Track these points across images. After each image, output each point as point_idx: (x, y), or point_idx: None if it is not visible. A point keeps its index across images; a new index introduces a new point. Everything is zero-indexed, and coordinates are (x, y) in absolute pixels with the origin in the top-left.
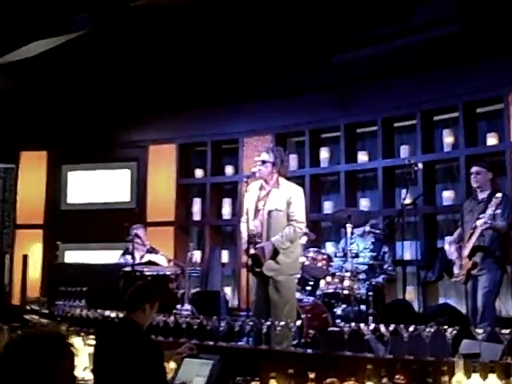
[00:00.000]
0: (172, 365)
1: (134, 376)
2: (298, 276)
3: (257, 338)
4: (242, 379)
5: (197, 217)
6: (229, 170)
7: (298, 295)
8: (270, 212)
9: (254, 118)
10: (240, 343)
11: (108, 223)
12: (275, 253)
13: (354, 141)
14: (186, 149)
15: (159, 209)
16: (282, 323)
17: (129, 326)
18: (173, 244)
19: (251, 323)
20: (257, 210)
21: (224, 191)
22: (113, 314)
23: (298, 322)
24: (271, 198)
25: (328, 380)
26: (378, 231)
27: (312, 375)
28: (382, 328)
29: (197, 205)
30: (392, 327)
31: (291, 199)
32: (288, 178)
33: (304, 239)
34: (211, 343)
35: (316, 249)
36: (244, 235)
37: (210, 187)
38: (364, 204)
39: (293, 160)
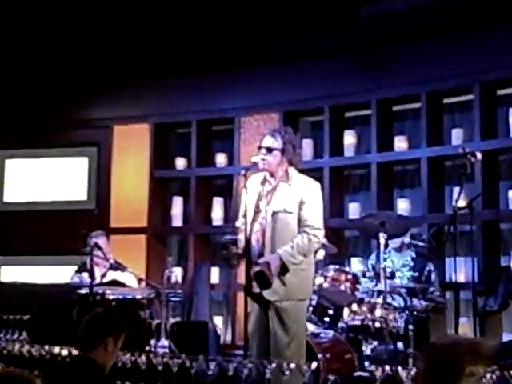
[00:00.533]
0: None
1: None
2: (312, 302)
3: None
4: None
5: (177, 222)
6: (221, 159)
7: (312, 328)
8: (275, 214)
9: (255, 89)
10: None
11: (58, 229)
12: (283, 270)
13: (389, 122)
14: (163, 130)
15: (127, 211)
16: (293, 365)
17: (85, 368)
18: (145, 258)
19: (250, 365)
20: (257, 212)
21: (214, 188)
22: (64, 352)
23: (314, 365)
24: (278, 196)
25: None
26: (421, 243)
27: None
28: None
29: (178, 206)
30: None
31: (305, 198)
32: (300, 171)
33: (321, 253)
34: None
35: (338, 266)
36: (241, 245)
37: (196, 182)
38: (402, 207)
39: (307, 147)
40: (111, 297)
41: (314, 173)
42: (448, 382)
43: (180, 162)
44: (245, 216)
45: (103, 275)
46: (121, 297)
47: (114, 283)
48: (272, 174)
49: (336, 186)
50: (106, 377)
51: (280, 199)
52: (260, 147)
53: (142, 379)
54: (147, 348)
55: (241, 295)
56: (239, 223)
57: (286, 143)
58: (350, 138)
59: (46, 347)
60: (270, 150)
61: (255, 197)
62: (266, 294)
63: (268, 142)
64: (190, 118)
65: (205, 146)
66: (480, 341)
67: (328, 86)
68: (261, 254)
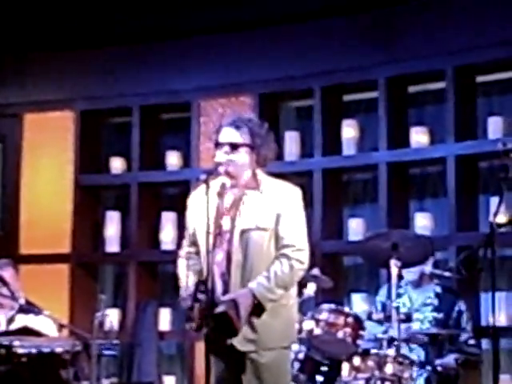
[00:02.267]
0: None
1: None
2: (298, 355)
3: None
4: None
5: (113, 246)
6: (173, 159)
7: None
8: (244, 232)
9: (220, 62)
10: None
11: None
12: (257, 310)
13: (403, 108)
14: (92, 120)
15: (43, 231)
16: None
17: None
18: (68, 297)
19: None
20: (219, 234)
21: (164, 199)
22: None
23: None
24: (247, 208)
25: None
26: (447, 274)
27: None
28: None
29: (113, 224)
30: None
31: (282, 209)
32: (282, 177)
33: (312, 288)
34: None
35: (334, 306)
36: (183, 279)
37: (139, 191)
38: (422, 224)
39: (291, 142)
40: (21, 350)
41: (300, 178)
42: None
43: (116, 164)
44: (192, 241)
45: (10, 320)
46: (34, 350)
47: (25, 331)
48: (236, 182)
49: (332, 195)
50: None
51: (250, 212)
52: (219, 143)
53: None
54: None
55: (201, 347)
56: (183, 253)
57: (256, 136)
58: (349, 130)
59: None
60: (234, 146)
61: (213, 214)
62: (237, 342)
63: (231, 135)
64: (131, 103)
65: (151, 142)
66: None
67: (320, 58)
68: (226, 292)
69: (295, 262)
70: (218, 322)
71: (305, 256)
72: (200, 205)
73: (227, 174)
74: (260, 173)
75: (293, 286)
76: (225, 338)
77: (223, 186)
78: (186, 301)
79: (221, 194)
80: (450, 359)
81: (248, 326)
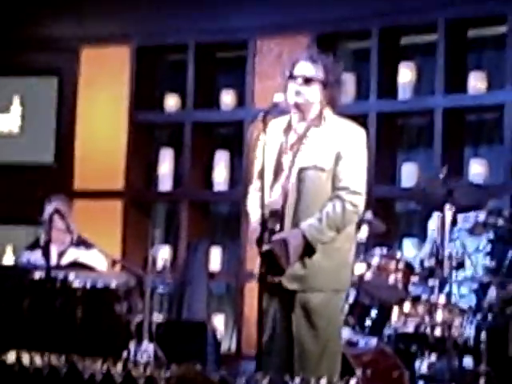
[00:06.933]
0: None
1: None
2: (349, 299)
3: None
4: None
5: (166, 184)
6: (227, 98)
7: (349, 335)
8: (302, 171)
9: (278, 2)
10: None
11: (3, 193)
12: (308, 250)
13: (462, 51)
14: (148, 56)
15: (97, 167)
16: (323, 382)
17: None
18: (120, 233)
19: (265, 381)
20: (278, 170)
21: (218, 138)
22: (11, 357)
23: (352, 383)
24: (308, 146)
25: None
26: (501, 222)
27: None
28: None
29: (167, 162)
30: None
31: (344, 149)
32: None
33: (364, 231)
34: None
35: (386, 250)
36: (254, 216)
37: (193, 130)
38: (477, 171)
39: (347, 84)
40: (76, 284)
41: (355, 120)
42: None
43: (171, 102)
44: (261, 177)
45: (61, 254)
46: (89, 284)
47: (78, 265)
48: (302, 116)
49: (386, 139)
50: None
51: (310, 151)
52: (292, 76)
53: None
54: (125, 354)
55: (250, 288)
56: (253, 188)
57: (330, 74)
58: (406, 74)
59: None
60: (308, 80)
61: (275, 151)
62: (285, 280)
63: (307, 69)
64: (187, 41)
65: (206, 80)
66: None
67: None
68: (280, 230)
69: (348, 204)
70: (265, 259)
71: (359, 199)
72: (269, 142)
73: (297, 106)
74: (327, 112)
75: (345, 228)
76: (274, 274)
77: (289, 123)
78: (254, 233)
79: (286, 131)
80: (493, 294)
81: (299, 263)
